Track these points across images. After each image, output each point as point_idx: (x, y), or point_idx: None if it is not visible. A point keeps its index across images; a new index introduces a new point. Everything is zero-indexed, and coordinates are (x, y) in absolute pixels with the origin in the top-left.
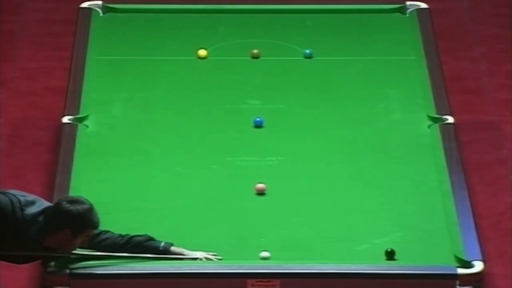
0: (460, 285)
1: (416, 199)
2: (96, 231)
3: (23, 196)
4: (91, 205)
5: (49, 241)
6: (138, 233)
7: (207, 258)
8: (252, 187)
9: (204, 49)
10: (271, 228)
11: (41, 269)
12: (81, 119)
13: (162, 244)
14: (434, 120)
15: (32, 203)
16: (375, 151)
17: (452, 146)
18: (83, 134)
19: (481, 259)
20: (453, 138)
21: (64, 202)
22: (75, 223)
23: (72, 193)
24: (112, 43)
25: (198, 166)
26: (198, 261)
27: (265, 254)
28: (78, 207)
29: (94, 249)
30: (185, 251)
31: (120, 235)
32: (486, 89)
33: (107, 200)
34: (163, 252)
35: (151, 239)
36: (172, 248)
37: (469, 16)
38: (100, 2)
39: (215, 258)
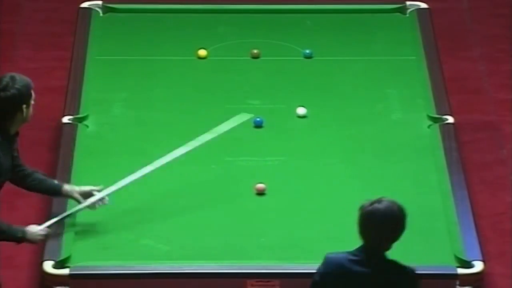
0: (460, 285)
1: (416, 199)
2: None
3: None
4: (14, 74)
5: (14, 129)
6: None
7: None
8: (252, 187)
9: (204, 49)
10: (271, 228)
11: (41, 269)
12: (81, 119)
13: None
14: (434, 120)
15: None
16: (375, 151)
17: (452, 146)
18: (83, 134)
19: (481, 259)
20: (453, 138)
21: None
22: (25, 96)
23: None
24: (112, 43)
25: (198, 166)
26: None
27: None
28: (17, 85)
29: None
30: (76, 193)
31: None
32: (486, 89)
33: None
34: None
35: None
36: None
37: (469, 16)
38: (100, 2)
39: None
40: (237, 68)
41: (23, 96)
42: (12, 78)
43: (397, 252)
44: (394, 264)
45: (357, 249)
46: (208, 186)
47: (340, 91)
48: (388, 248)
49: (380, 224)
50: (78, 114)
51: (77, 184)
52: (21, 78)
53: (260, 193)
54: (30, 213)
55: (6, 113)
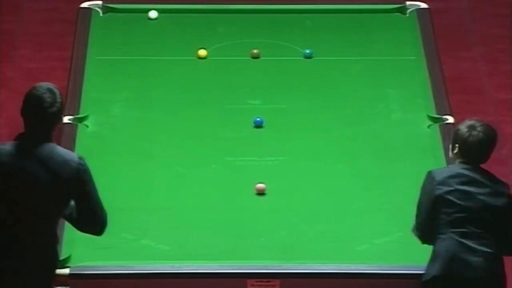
0: None
1: (416, 199)
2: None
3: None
4: (49, 87)
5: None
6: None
7: None
8: (252, 187)
9: (204, 49)
10: (271, 228)
11: None
12: (81, 119)
13: None
14: (434, 120)
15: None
16: (375, 151)
17: None
18: (83, 134)
19: None
20: None
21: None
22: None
23: None
24: (112, 43)
25: (198, 166)
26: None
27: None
28: (58, 98)
29: None
30: None
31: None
32: (486, 89)
33: (107, 200)
34: None
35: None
36: None
37: (469, 16)
38: (100, 2)
39: None
40: (237, 68)
41: (63, 106)
42: (51, 91)
43: (397, 252)
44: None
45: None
46: (208, 186)
47: (340, 91)
48: None
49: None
50: (78, 114)
51: None
52: (56, 88)
53: (260, 193)
54: None
55: (55, 126)
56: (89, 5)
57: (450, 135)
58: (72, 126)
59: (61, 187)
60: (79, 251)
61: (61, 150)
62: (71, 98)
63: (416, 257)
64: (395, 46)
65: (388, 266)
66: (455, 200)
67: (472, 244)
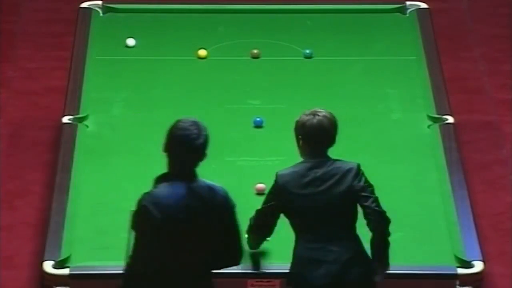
0: (460, 285)
1: (416, 199)
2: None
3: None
4: (193, 120)
5: None
6: None
7: None
8: (252, 187)
9: (204, 49)
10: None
11: (41, 269)
12: (81, 119)
13: None
14: (434, 120)
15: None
16: (375, 151)
17: (452, 146)
18: (83, 134)
19: (481, 259)
20: (453, 138)
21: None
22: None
23: (72, 193)
24: (112, 43)
25: (198, 166)
26: None
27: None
28: (204, 131)
29: None
30: None
31: None
32: (486, 89)
33: (107, 200)
34: None
35: None
36: None
37: (469, 16)
38: (100, 2)
39: None
40: (237, 68)
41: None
42: (196, 124)
43: (397, 252)
44: None
45: None
46: None
47: (340, 91)
48: None
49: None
50: (78, 114)
51: (77, 184)
52: (199, 121)
53: (260, 193)
54: (30, 213)
55: (202, 159)
56: (89, 5)
57: (450, 135)
58: (72, 126)
59: (214, 221)
60: (79, 251)
61: (208, 182)
62: (71, 98)
63: (416, 257)
64: (395, 46)
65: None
66: (296, 207)
67: (322, 246)
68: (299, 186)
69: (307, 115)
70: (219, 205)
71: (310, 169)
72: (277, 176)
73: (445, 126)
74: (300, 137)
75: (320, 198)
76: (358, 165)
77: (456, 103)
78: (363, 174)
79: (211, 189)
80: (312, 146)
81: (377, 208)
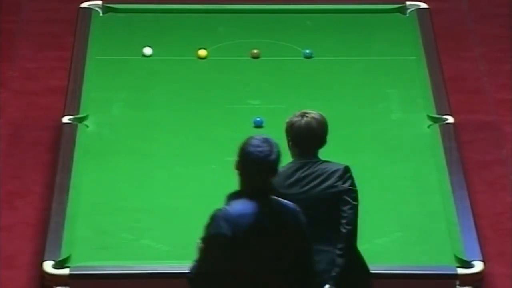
0: (460, 285)
1: (416, 199)
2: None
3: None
4: (265, 137)
5: None
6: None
7: None
8: None
9: (204, 49)
10: None
11: (41, 269)
12: (81, 119)
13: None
14: (434, 120)
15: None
16: (375, 151)
17: (452, 146)
18: (83, 134)
19: (481, 259)
20: (453, 138)
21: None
22: None
23: (72, 193)
24: (112, 43)
25: (198, 166)
26: None
27: None
28: (275, 147)
29: None
30: None
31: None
32: (486, 89)
33: (107, 200)
34: None
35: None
36: None
37: (469, 16)
38: (100, 2)
39: None
40: (237, 68)
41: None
42: (266, 141)
43: (397, 252)
44: None
45: None
46: (208, 186)
47: (340, 91)
48: None
49: None
50: (78, 114)
51: (77, 184)
52: (270, 138)
53: None
54: (30, 213)
55: (274, 175)
56: (89, 5)
57: (450, 135)
58: (72, 126)
59: (286, 240)
60: (79, 251)
61: (282, 201)
62: (71, 98)
63: (416, 257)
64: (395, 46)
65: (388, 266)
66: None
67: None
68: (285, 186)
69: (296, 116)
70: (292, 224)
71: (296, 170)
72: None
73: (445, 126)
74: (289, 138)
75: (303, 198)
76: (346, 167)
77: (456, 103)
78: (350, 176)
79: (284, 207)
80: (300, 147)
81: (352, 216)
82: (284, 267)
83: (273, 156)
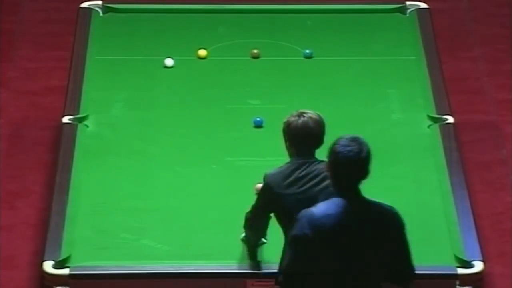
0: (460, 285)
1: (416, 199)
2: None
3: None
4: (353, 136)
5: None
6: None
7: None
8: (252, 187)
9: (204, 49)
10: (270, 228)
11: (41, 269)
12: (81, 119)
13: None
14: (434, 120)
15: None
16: (375, 151)
17: (452, 146)
18: (83, 134)
19: (481, 259)
20: (453, 138)
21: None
22: None
23: (72, 193)
24: (112, 43)
25: (198, 166)
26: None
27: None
28: (365, 145)
29: None
30: None
31: None
32: (486, 89)
33: (107, 200)
34: None
35: None
36: None
37: (469, 16)
38: (100, 2)
39: None
40: (237, 68)
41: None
42: (357, 140)
43: None
44: None
45: None
46: (208, 186)
47: (340, 91)
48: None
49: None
50: (78, 114)
51: (77, 184)
52: (360, 137)
53: None
54: (30, 213)
55: (367, 175)
56: (89, 5)
57: (450, 135)
58: (72, 126)
59: (380, 241)
60: (79, 251)
61: (377, 202)
62: (71, 98)
63: (416, 257)
64: (395, 46)
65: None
66: (282, 207)
67: None
68: (283, 186)
69: (293, 116)
70: (387, 225)
71: (294, 170)
72: (264, 176)
73: (445, 126)
74: (286, 138)
75: (301, 198)
76: None
77: (456, 103)
78: None
79: (378, 207)
80: (297, 147)
81: None
82: (373, 267)
83: (363, 155)
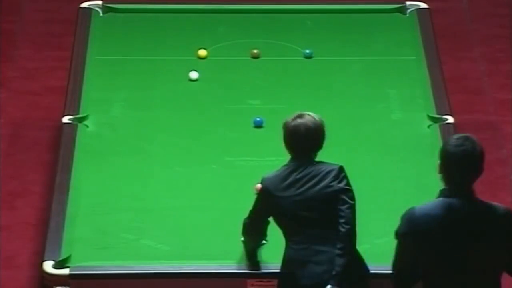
0: None
1: (416, 199)
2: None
3: None
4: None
5: None
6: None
7: None
8: (252, 187)
9: (204, 49)
10: (270, 228)
11: (41, 269)
12: (81, 119)
13: None
14: (434, 120)
15: None
16: (375, 151)
17: None
18: (83, 134)
19: None
20: None
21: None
22: None
23: (72, 193)
24: (112, 43)
25: (198, 166)
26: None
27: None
28: (478, 146)
29: None
30: None
31: None
32: (486, 89)
33: (107, 200)
34: None
35: None
36: None
37: (469, 16)
38: (100, 2)
39: None
40: (237, 68)
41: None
42: (469, 139)
43: None
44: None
45: None
46: (208, 186)
47: (340, 91)
48: None
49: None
50: (78, 114)
51: (77, 184)
52: (471, 135)
53: None
54: (30, 213)
55: (478, 174)
56: (89, 5)
57: (450, 135)
58: (72, 126)
59: (491, 242)
60: (79, 251)
61: (489, 202)
62: (71, 98)
63: None
64: (395, 46)
65: (389, 266)
66: (280, 209)
67: (308, 247)
68: (280, 189)
69: (291, 118)
70: (500, 226)
71: (291, 172)
72: (262, 179)
73: (445, 126)
74: (283, 139)
75: (299, 200)
76: (341, 167)
77: (456, 103)
78: (345, 176)
79: (490, 208)
80: (294, 149)
81: (350, 215)
82: (480, 267)
83: (477, 153)
